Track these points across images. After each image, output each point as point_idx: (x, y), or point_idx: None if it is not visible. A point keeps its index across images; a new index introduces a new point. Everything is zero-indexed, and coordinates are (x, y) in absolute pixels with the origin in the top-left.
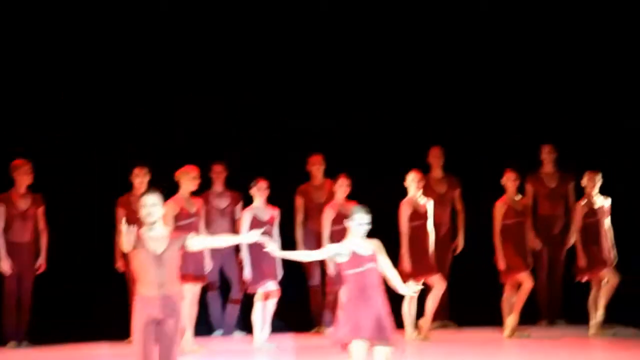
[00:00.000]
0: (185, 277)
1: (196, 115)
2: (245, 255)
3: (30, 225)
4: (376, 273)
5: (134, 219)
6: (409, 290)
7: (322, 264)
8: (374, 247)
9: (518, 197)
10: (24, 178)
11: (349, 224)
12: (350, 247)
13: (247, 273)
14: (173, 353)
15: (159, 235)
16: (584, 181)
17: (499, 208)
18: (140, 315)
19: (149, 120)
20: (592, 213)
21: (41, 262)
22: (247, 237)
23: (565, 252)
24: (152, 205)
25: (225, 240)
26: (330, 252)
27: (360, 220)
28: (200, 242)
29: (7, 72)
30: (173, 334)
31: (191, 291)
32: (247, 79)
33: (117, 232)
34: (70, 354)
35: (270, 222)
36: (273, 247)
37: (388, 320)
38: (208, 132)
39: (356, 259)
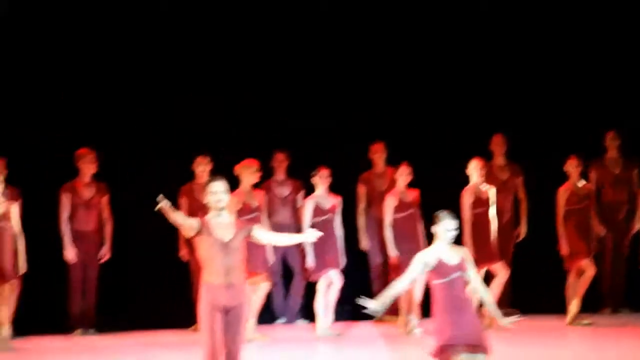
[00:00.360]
0: (249, 272)
1: (258, 103)
2: (307, 243)
3: (95, 214)
4: (463, 282)
5: (197, 207)
6: (506, 322)
7: (384, 252)
8: (462, 255)
9: (581, 184)
10: (88, 167)
11: (436, 229)
12: (438, 255)
13: (310, 261)
14: (239, 341)
15: (225, 223)
16: None
17: (562, 194)
18: (207, 303)
19: (211, 108)
20: None
21: (105, 250)
22: (307, 236)
23: (629, 238)
24: (222, 192)
25: (288, 239)
26: (418, 268)
27: (447, 226)
28: (266, 236)
29: (72, 62)
30: (239, 322)
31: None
32: (309, 67)
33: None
34: (135, 341)
35: (332, 211)
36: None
37: (480, 329)
38: (269, 121)
39: (443, 269)
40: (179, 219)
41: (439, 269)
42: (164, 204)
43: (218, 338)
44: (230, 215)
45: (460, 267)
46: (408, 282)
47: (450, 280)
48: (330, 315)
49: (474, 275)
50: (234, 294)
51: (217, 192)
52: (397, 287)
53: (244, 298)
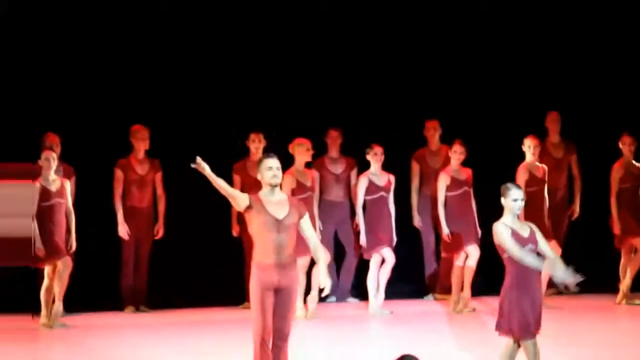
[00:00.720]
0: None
1: (312, 80)
2: (360, 220)
3: (149, 191)
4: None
5: (250, 184)
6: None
7: (436, 230)
8: (532, 228)
9: (635, 162)
10: (141, 143)
11: (504, 202)
12: (511, 227)
13: (363, 239)
14: (290, 320)
15: (279, 200)
16: None
17: (616, 172)
18: (258, 282)
19: (265, 85)
20: None
21: (159, 227)
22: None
23: None
24: (278, 169)
25: (319, 250)
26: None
27: (515, 196)
28: (309, 231)
29: (124, 37)
30: (290, 301)
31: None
32: (363, 43)
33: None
34: (187, 318)
35: (386, 188)
36: None
37: (540, 308)
38: (323, 97)
39: (516, 241)
40: (223, 184)
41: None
42: (199, 163)
43: (268, 317)
44: (284, 193)
45: (531, 239)
46: (518, 248)
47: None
48: (382, 293)
49: (546, 247)
50: (286, 273)
51: (272, 167)
52: (516, 252)
53: (295, 277)
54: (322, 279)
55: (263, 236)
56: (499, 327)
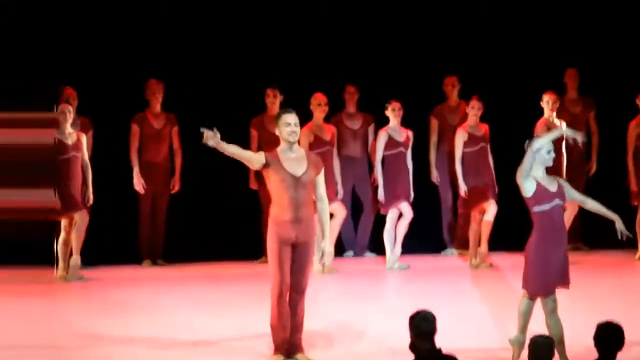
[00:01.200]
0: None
1: (329, 36)
2: (379, 175)
3: (165, 145)
4: (562, 211)
5: (267, 139)
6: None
7: (453, 186)
8: (560, 183)
9: None
10: (156, 97)
11: (535, 155)
12: (539, 181)
13: (381, 194)
14: (306, 275)
15: (297, 156)
16: None
17: (633, 129)
18: (275, 238)
19: (282, 39)
20: None
21: (175, 182)
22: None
23: None
24: (296, 125)
25: (325, 213)
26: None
27: (548, 147)
28: (320, 189)
29: None
30: (307, 256)
31: None
32: (378, 1)
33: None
34: (203, 272)
35: (404, 144)
36: None
37: (567, 264)
38: (341, 53)
39: (543, 195)
40: (236, 150)
41: (540, 195)
42: (208, 136)
43: (285, 272)
44: (302, 149)
45: (559, 194)
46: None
47: (551, 209)
48: (399, 247)
49: (577, 194)
50: (303, 228)
51: (290, 123)
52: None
53: (312, 233)
54: (326, 248)
55: (280, 193)
56: (525, 285)
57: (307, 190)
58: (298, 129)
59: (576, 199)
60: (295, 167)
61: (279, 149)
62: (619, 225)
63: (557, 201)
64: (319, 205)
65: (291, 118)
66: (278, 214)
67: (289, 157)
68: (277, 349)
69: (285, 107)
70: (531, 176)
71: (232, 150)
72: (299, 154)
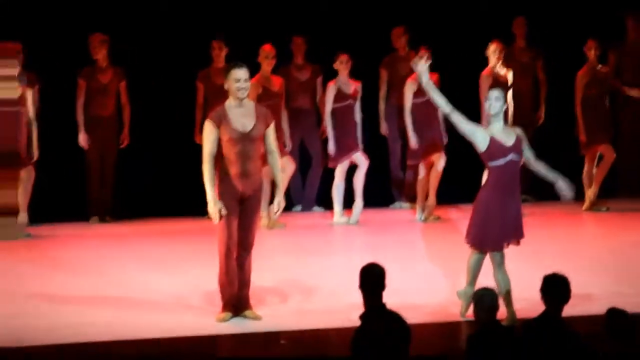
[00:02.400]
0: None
1: None
2: (329, 128)
3: (112, 100)
4: (518, 166)
5: (213, 91)
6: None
7: (402, 138)
8: (519, 136)
9: (601, 67)
10: (101, 52)
11: (485, 105)
12: (492, 133)
13: (331, 147)
14: (253, 231)
15: (245, 111)
16: None
17: (581, 79)
18: (222, 192)
19: None
20: None
21: (124, 137)
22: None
23: None
24: (246, 81)
25: (276, 166)
26: (471, 129)
27: (495, 94)
28: (271, 143)
29: None
30: (254, 211)
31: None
32: None
33: (197, 106)
34: (153, 229)
35: (354, 96)
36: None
37: (520, 218)
38: (289, 3)
39: (498, 150)
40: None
41: (493, 150)
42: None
43: (233, 227)
44: (250, 103)
45: (515, 148)
46: (459, 122)
47: (506, 163)
48: (360, 200)
49: (531, 155)
50: (250, 183)
51: (240, 79)
52: (458, 120)
53: (259, 187)
54: (277, 200)
55: (229, 148)
56: (468, 238)
57: (255, 145)
58: (248, 84)
59: (524, 155)
60: (244, 122)
61: (227, 104)
62: (560, 185)
63: (512, 156)
64: (270, 159)
65: (241, 73)
66: (226, 168)
67: (238, 113)
68: (226, 306)
69: (235, 61)
70: (484, 130)
71: (210, 186)
72: (248, 108)
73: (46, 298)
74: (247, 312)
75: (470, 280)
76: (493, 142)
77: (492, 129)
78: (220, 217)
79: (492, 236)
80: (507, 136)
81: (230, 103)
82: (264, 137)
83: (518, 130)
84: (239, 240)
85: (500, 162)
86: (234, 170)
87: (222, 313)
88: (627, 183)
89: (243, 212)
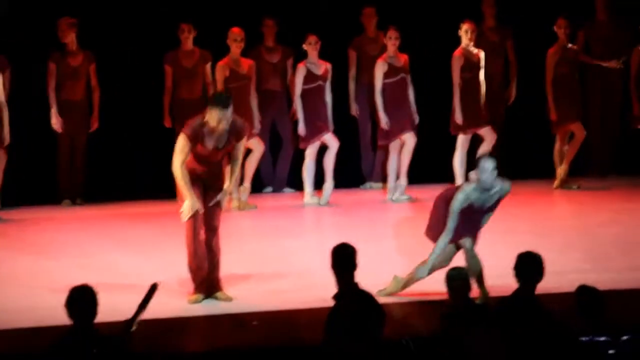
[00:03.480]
0: None
1: None
2: (299, 109)
3: (82, 83)
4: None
5: (181, 74)
6: None
7: (372, 118)
8: (501, 197)
9: (571, 46)
10: (69, 35)
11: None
12: (472, 200)
13: (301, 128)
14: (217, 211)
15: (219, 130)
16: None
17: (551, 57)
18: (188, 177)
19: None
20: None
21: (93, 120)
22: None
23: (619, 101)
24: (227, 122)
25: (235, 168)
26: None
27: (487, 165)
28: (238, 153)
29: None
30: (217, 192)
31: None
32: None
33: (166, 89)
34: (123, 212)
35: (323, 77)
36: None
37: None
38: None
39: (468, 209)
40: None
41: (465, 210)
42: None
43: (199, 208)
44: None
45: (490, 209)
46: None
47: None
48: (331, 180)
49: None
50: (214, 170)
51: (221, 120)
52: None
53: (222, 168)
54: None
55: (199, 156)
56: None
57: (224, 156)
58: (228, 123)
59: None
60: (219, 139)
61: (205, 124)
62: None
63: (482, 213)
64: (233, 162)
65: (225, 115)
66: (192, 166)
67: (214, 133)
68: (197, 289)
69: (223, 98)
70: (466, 193)
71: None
72: (224, 129)
73: (17, 281)
74: (218, 294)
75: (407, 279)
76: (469, 205)
77: (471, 193)
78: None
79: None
80: (486, 200)
81: (208, 122)
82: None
83: (505, 190)
84: (204, 223)
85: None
86: (197, 170)
87: (193, 295)
88: (598, 161)
89: (207, 196)
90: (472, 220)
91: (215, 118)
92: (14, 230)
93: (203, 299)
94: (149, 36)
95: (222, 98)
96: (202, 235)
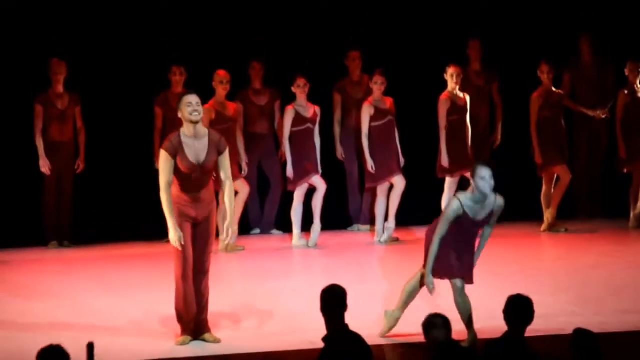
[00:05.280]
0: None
1: (232, 14)
2: (287, 152)
3: (69, 125)
4: (479, 229)
5: (172, 117)
6: None
7: (359, 161)
8: (494, 211)
9: (555, 90)
10: (58, 77)
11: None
12: (465, 209)
13: (289, 170)
14: (208, 254)
15: (199, 141)
16: (627, 71)
17: (535, 101)
18: (177, 216)
19: (187, 18)
20: (634, 104)
21: (80, 161)
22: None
23: (605, 144)
24: (198, 104)
25: (228, 189)
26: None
27: (482, 174)
28: (224, 168)
29: None
30: (208, 234)
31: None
32: None
33: (156, 131)
34: (110, 253)
35: (312, 119)
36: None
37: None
38: (245, 31)
39: (463, 220)
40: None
41: (459, 220)
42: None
43: (188, 249)
44: (204, 130)
45: (483, 223)
46: (438, 238)
47: (465, 226)
48: (318, 222)
49: (489, 231)
50: (202, 207)
51: (191, 103)
52: (436, 238)
53: (211, 209)
54: (226, 224)
55: (182, 176)
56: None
57: (208, 174)
58: (200, 107)
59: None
60: (198, 153)
61: (182, 132)
62: None
63: (475, 226)
64: (223, 186)
65: (192, 98)
66: (178, 193)
67: (192, 143)
68: (184, 330)
69: (188, 88)
70: (458, 206)
71: (170, 214)
72: (201, 136)
73: (2, 324)
74: (206, 336)
75: (401, 305)
76: (464, 214)
77: (466, 200)
78: (181, 245)
79: (447, 266)
80: (481, 210)
81: (184, 132)
82: (216, 164)
83: (498, 204)
84: (194, 264)
85: (463, 225)
86: (186, 197)
87: (181, 337)
88: (585, 204)
89: (197, 236)
90: (465, 234)
91: (185, 103)
92: (0, 272)
93: (190, 341)
94: (136, 77)
95: (183, 89)
96: (191, 275)
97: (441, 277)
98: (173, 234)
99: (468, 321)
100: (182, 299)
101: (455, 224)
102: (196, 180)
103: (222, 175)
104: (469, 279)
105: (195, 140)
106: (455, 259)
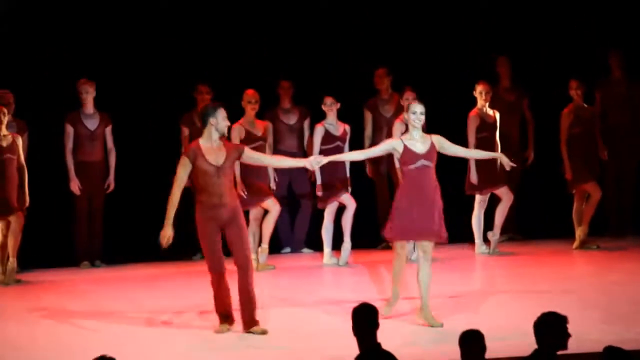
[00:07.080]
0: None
1: (261, 33)
2: (317, 170)
3: (100, 145)
4: (431, 172)
5: (198, 136)
6: None
7: (388, 177)
8: (434, 143)
9: (586, 106)
10: (87, 97)
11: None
12: (404, 143)
13: (319, 188)
14: (245, 248)
15: (216, 147)
16: None
17: (565, 118)
18: (204, 219)
19: (215, 36)
20: None
21: (110, 181)
22: (303, 162)
23: (637, 160)
24: (224, 118)
25: (280, 161)
26: (385, 147)
27: (414, 109)
28: (256, 156)
29: None
30: (240, 231)
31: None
32: None
33: (184, 149)
34: (142, 272)
35: (342, 138)
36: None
37: (438, 218)
38: (274, 49)
39: (408, 156)
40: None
41: (405, 156)
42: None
43: (217, 250)
44: (220, 140)
45: (427, 155)
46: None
47: (415, 168)
48: (348, 241)
49: (457, 149)
50: (227, 210)
51: (226, 117)
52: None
53: (237, 208)
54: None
55: (205, 181)
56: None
57: (227, 176)
58: (227, 122)
59: (458, 153)
60: (216, 157)
61: (200, 141)
62: (504, 160)
63: (422, 162)
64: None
65: (226, 113)
66: (205, 200)
67: (211, 148)
68: (221, 319)
69: (216, 102)
70: (400, 139)
71: (171, 208)
72: (219, 144)
73: (34, 346)
74: (254, 328)
75: (395, 280)
76: (405, 149)
77: (408, 138)
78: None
79: (399, 227)
80: (422, 143)
81: (203, 140)
82: (234, 168)
83: (437, 139)
84: (235, 263)
85: (411, 167)
86: (212, 201)
87: (219, 325)
88: (615, 221)
89: (230, 236)
90: (418, 189)
91: (223, 117)
92: (33, 293)
93: (227, 330)
94: (165, 96)
95: (218, 103)
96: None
97: (393, 238)
98: (166, 230)
99: (424, 294)
100: (215, 290)
101: (404, 168)
102: (218, 185)
103: (264, 161)
104: (429, 236)
105: (214, 146)
106: (407, 220)
